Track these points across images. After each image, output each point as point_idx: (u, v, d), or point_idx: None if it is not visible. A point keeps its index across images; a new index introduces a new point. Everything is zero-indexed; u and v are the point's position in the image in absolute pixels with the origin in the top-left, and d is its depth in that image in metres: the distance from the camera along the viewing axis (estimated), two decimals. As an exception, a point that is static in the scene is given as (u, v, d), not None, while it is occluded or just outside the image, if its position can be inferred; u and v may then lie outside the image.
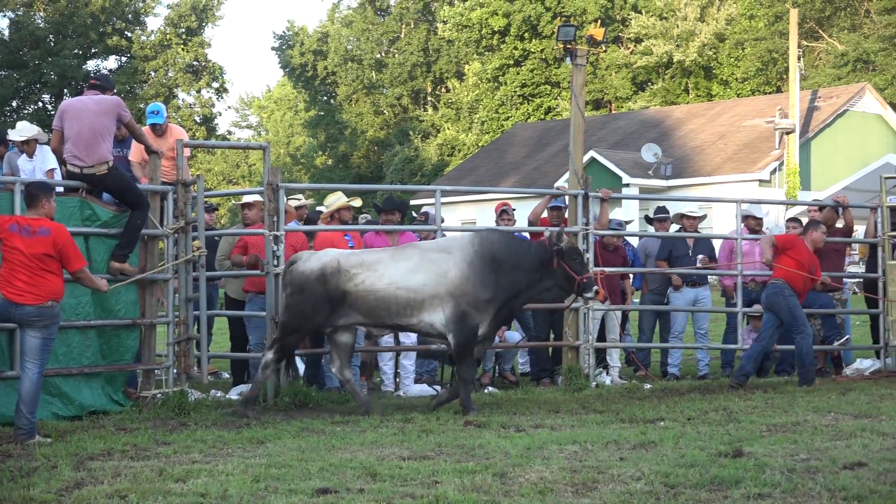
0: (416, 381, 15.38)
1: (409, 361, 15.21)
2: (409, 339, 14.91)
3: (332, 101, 78.26)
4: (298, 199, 15.93)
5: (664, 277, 16.76)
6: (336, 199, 15.06)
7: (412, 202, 46.91)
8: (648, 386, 15.21)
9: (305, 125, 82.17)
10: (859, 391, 13.95)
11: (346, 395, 13.95)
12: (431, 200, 19.68)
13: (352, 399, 13.45)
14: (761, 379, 15.80)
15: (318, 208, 16.42)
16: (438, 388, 15.27)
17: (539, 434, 10.86)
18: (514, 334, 16.01)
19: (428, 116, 73.76)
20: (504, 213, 16.12)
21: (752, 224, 16.79)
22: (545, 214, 16.31)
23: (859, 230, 20.33)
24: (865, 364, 16.58)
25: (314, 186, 22.16)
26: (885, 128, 46.16)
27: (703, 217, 17.20)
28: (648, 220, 17.31)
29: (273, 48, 79.46)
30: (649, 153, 42.42)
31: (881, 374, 15.96)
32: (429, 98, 76.50)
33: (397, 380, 15.31)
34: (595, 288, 13.48)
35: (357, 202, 15.81)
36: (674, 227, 17.55)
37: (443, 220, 15.24)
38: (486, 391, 14.92)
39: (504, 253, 13.05)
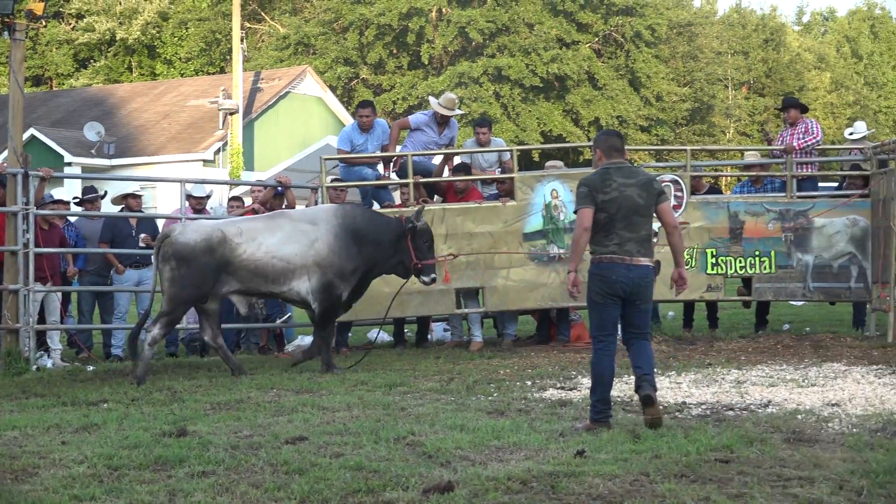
0: None
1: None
2: None
3: None
4: None
5: (105, 258, 16.43)
6: None
7: None
8: (91, 368, 14.93)
9: None
10: (301, 367, 14.27)
11: None
12: None
13: None
14: (204, 358, 15.89)
15: None
16: None
17: (-25, 421, 10.44)
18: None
19: None
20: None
21: (195, 203, 16.84)
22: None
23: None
24: (307, 341, 17.03)
25: None
26: (325, 110, 47.46)
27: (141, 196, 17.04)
28: (79, 201, 16.97)
29: None
30: (92, 131, 41.57)
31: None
32: None
33: None
34: (433, 276, 14.21)
35: None
36: (118, 208, 17.27)
37: None
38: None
39: (364, 227, 13.94)
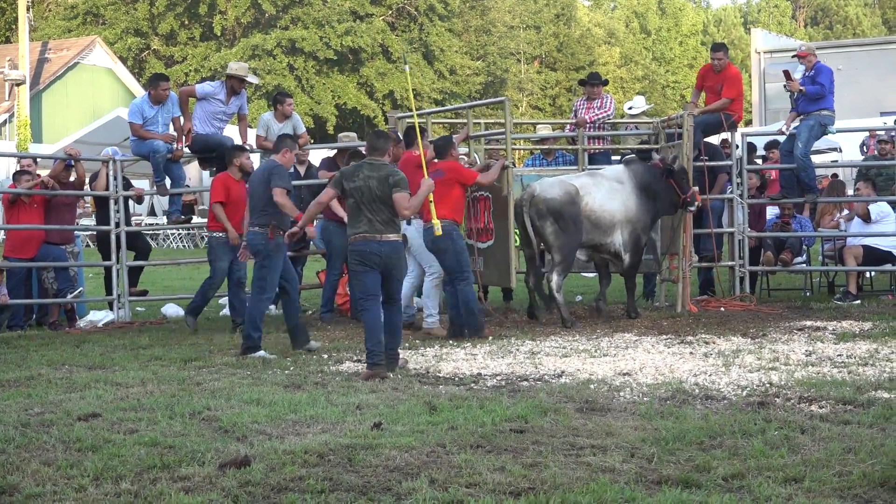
0: None
1: None
2: None
3: None
4: None
5: None
6: None
7: None
8: None
9: None
10: (93, 343, 14.03)
11: None
12: None
13: None
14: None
15: None
16: None
17: None
18: None
19: None
20: None
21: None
22: None
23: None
24: (99, 316, 16.75)
25: None
26: (115, 81, 46.67)
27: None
28: None
29: None
30: None
31: (113, 326, 16.19)
32: None
33: None
34: (698, 203, 15.36)
35: None
36: None
37: None
38: None
39: (650, 181, 15.06)
